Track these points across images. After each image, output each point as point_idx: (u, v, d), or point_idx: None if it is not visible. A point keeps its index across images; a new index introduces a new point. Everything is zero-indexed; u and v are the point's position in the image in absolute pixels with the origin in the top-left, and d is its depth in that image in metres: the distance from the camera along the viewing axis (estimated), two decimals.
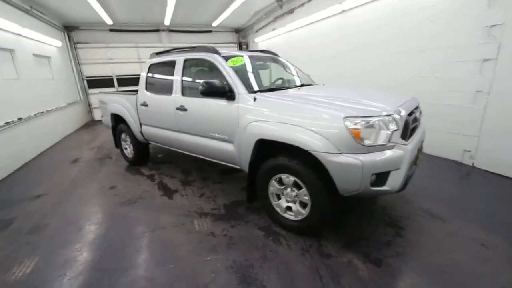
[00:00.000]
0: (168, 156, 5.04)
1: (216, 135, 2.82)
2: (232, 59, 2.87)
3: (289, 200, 2.38)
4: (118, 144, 4.73)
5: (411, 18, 4.21)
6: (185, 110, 3.07)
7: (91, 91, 9.53)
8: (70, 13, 7.62)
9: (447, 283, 1.83)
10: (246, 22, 9.94)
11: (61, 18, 7.96)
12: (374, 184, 1.94)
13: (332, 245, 2.25)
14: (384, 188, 1.96)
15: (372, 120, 1.91)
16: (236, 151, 2.65)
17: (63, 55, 8.19)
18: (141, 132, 4.02)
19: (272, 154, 2.38)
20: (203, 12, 8.34)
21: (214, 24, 9.74)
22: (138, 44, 9.70)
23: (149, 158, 4.63)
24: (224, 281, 1.92)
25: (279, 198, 2.47)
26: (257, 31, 10.06)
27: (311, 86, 3.22)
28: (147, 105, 3.67)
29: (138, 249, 2.33)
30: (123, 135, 4.49)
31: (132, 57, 9.74)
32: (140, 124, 3.98)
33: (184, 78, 3.18)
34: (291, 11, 7.61)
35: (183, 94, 3.16)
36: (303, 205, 2.29)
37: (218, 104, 2.72)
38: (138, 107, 3.87)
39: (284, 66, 3.63)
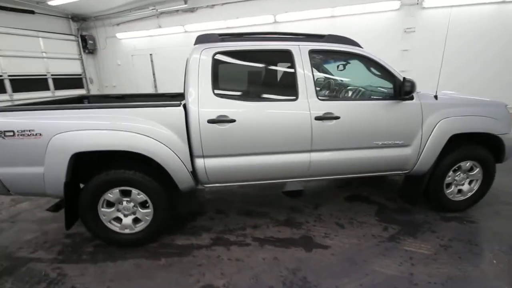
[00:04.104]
0: None
1: (386, 142, 2.39)
2: None
3: (458, 183, 2.69)
4: (81, 216, 2.18)
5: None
6: (336, 118, 2.25)
7: None
8: None
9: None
10: (105, 10, 7.26)
11: None
12: None
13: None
14: None
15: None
16: (415, 154, 2.46)
17: None
18: (192, 172, 2.22)
19: None
20: None
21: (53, 3, 6.22)
22: None
23: None
24: None
25: (447, 187, 2.68)
26: (118, 25, 7.69)
27: None
28: (231, 121, 2.13)
29: None
30: (109, 195, 2.15)
31: None
32: (193, 157, 2.20)
33: (319, 76, 2.29)
34: (192, 10, 6.73)
35: (319, 97, 2.27)
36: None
37: (391, 105, 2.34)
38: (197, 128, 2.11)
39: None
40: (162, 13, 6.98)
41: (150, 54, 7.65)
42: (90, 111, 2.07)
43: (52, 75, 7.20)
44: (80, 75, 8.09)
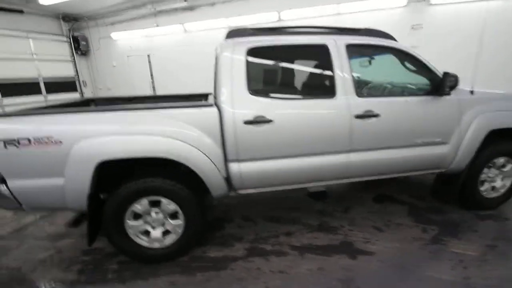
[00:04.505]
0: None
1: (425, 140, 2.30)
2: None
3: (492, 180, 2.62)
4: (105, 230, 1.97)
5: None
6: (375, 116, 2.14)
7: None
8: None
9: None
10: (98, 9, 6.91)
11: None
12: None
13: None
14: None
15: None
16: (452, 152, 2.38)
17: None
18: (226, 178, 2.06)
19: None
20: None
21: (45, 2, 5.86)
22: None
23: None
24: None
25: (481, 184, 2.61)
26: (113, 24, 7.36)
27: None
28: (268, 121, 1.98)
29: None
30: (137, 206, 1.95)
31: None
32: (227, 161, 2.03)
33: (356, 71, 2.17)
34: (192, 8, 6.51)
35: (357, 94, 2.15)
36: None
37: (430, 101, 2.25)
38: (233, 130, 1.95)
39: None
40: (160, 11, 6.71)
41: (148, 55, 7.36)
42: (115, 114, 1.87)
43: (43, 78, 6.80)
44: (73, 77, 7.69)
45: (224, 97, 1.98)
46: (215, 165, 1.98)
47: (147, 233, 2.06)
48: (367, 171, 2.31)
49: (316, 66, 2.25)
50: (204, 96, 3.50)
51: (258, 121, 1.98)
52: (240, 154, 2.02)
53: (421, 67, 2.29)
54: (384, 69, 2.48)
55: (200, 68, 6.78)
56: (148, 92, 7.67)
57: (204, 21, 6.40)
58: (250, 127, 1.97)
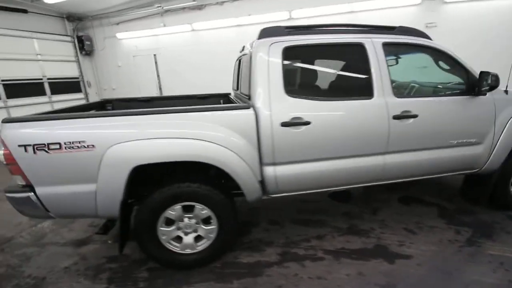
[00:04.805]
0: None
1: (461, 140, 2.24)
2: None
3: None
4: (137, 237, 1.90)
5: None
6: (413, 117, 2.08)
7: None
8: None
9: None
10: (103, 9, 6.78)
11: None
12: None
13: None
14: None
15: None
16: (486, 152, 2.33)
17: None
18: (261, 181, 1.99)
19: None
20: None
21: (50, 0, 5.72)
22: None
23: None
24: None
25: None
26: (118, 24, 7.23)
27: None
28: (305, 123, 1.91)
29: None
30: (170, 212, 1.88)
31: None
32: (262, 164, 1.96)
33: (393, 71, 2.10)
34: (200, 7, 6.40)
35: (395, 94, 2.08)
36: None
37: (466, 101, 2.20)
38: (270, 133, 1.88)
39: None
40: (167, 11, 6.60)
41: (154, 55, 7.24)
42: (148, 117, 1.78)
43: (48, 78, 6.67)
44: (77, 78, 7.56)
45: (260, 99, 1.91)
46: (251, 169, 1.91)
47: (179, 239, 1.99)
48: (403, 173, 2.25)
49: (352, 66, 2.18)
50: (223, 96, 3.43)
51: (296, 123, 1.91)
52: (276, 157, 1.95)
53: (457, 66, 2.23)
54: (420, 68, 2.42)
55: (208, 68, 6.72)
56: (154, 92, 7.55)
57: (213, 20, 6.30)
58: (287, 129, 1.91)
